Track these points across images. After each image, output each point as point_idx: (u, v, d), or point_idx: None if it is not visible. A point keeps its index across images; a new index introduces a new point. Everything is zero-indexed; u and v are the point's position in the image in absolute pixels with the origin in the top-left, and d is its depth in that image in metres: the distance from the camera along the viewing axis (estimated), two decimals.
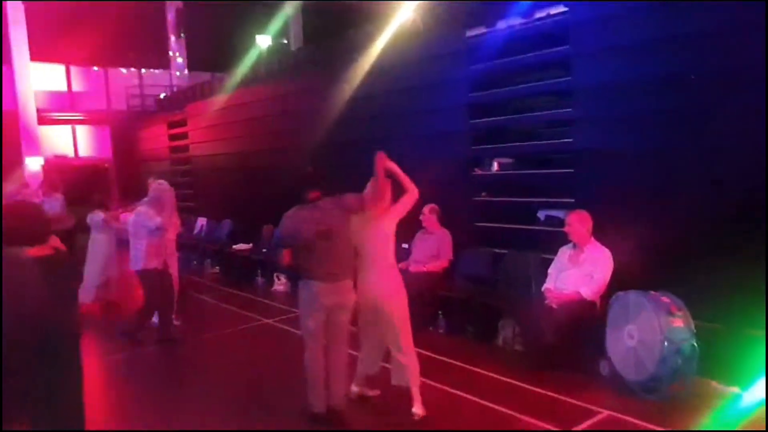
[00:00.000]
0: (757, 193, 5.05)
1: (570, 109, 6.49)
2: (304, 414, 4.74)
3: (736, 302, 4.91)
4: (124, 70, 20.01)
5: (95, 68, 19.62)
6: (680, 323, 4.82)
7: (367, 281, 4.78)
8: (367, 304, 4.80)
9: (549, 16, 6.73)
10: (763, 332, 4.63)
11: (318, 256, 4.61)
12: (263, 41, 15.10)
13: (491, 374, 5.61)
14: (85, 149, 19.25)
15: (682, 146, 5.57)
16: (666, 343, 4.73)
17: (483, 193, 7.73)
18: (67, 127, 18.91)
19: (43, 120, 17.56)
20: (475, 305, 6.66)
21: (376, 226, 4.85)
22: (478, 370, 5.72)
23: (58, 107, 18.49)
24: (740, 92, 5.16)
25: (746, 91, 5.12)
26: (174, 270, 7.63)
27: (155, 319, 7.20)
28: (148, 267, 6.88)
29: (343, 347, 4.85)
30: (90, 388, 5.66)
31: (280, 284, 9.70)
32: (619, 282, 5.48)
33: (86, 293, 8.39)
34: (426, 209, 7.19)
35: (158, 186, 7.17)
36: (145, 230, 6.81)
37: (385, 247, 4.87)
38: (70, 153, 18.88)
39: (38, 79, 17.60)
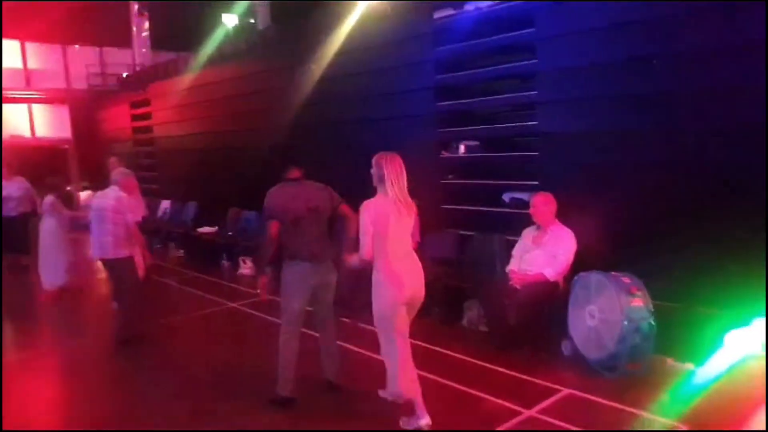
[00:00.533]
0: (715, 175, 5.20)
1: (535, 92, 6.56)
2: (272, 398, 4.73)
3: (692, 282, 5.05)
4: (76, 47, 19.46)
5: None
6: (640, 303, 4.95)
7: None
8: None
9: None
10: (718, 311, 4.80)
11: (305, 235, 4.61)
12: (230, 20, 14.84)
13: (455, 354, 5.69)
14: (43, 129, 18.74)
15: (643, 129, 5.68)
16: (626, 322, 4.86)
17: (450, 176, 7.78)
18: (23, 106, 18.37)
19: None
20: (441, 287, 6.72)
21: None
22: (443, 350, 5.79)
23: (13, 85, 17.95)
24: (699, 74, 5.28)
25: (704, 73, 5.25)
26: (138, 255, 7.54)
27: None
28: (119, 256, 6.37)
29: (331, 325, 4.94)
30: (48, 376, 5.64)
31: (246, 268, 9.65)
32: (581, 263, 5.59)
33: (46, 281, 8.28)
34: None
35: (124, 172, 6.97)
36: (120, 217, 6.31)
37: None
38: (27, 133, 18.38)
39: None
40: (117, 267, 6.43)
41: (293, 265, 4.69)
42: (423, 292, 4.31)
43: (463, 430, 4.33)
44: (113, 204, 6.33)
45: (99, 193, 6.71)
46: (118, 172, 6.80)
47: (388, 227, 4.11)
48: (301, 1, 11.84)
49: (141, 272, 6.82)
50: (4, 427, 3.94)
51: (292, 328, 4.74)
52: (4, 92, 17.24)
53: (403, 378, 4.19)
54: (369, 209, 4.13)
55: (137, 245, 6.63)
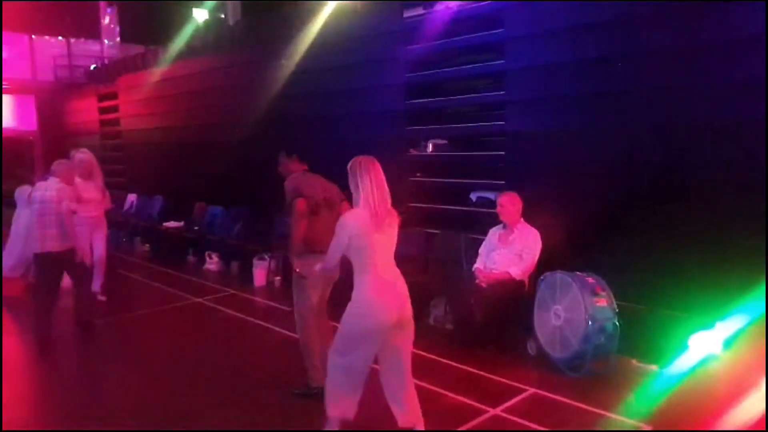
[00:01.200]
0: (683, 177, 5.23)
1: (503, 92, 6.56)
2: (304, 392, 4.67)
3: (656, 284, 5.10)
4: (46, 37, 19.07)
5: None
6: (604, 303, 4.96)
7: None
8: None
9: None
10: (682, 313, 4.84)
11: (321, 226, 4.50)
12: (200, 15, 14.67)
13: (420, 352, 5.58)
14: (7, 120, 18.31)
15: (608, 129, 5.73)
16: (590, 322, 4.86)
17: (417, 174, 7.75)
18: None
19: None
20: (407, 284, 6.66)
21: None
22: None
23: None
24: (663, 74, 5.33)
25: (669, 72, 5.30)
26: (101, 248, 7.41)
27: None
28: (66, 248, 6.13)
29: (326, 318, 4.87)
30: (9, 369, 5.49)
31: (212, 263, 9.53)
32: (547, 262, 5.60)
33: (12, 269, 8.10)
34: None
35: (84, 155, 6.85)
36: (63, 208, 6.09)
37: None
38: None
39: None
40: (65, 259, 6.18)
41: (311, 257, 4.46)
42: (410, 312, 3.94)
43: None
44: (55, 195, 6.10)
45: (39, 185, 6.44)
46: (82, 157, 6.71)
47: (371, 241, 3.73)
48: None
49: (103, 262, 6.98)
50: (4, 427, 3.83)
51: (314, 321, 4.68)
52: None
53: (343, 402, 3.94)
54: (349, 221, 3.75)
55: (100, 234, 6.80)
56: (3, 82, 17.79)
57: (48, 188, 6.17)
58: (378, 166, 3.81)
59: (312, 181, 4.72)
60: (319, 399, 4.34)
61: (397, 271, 3.94)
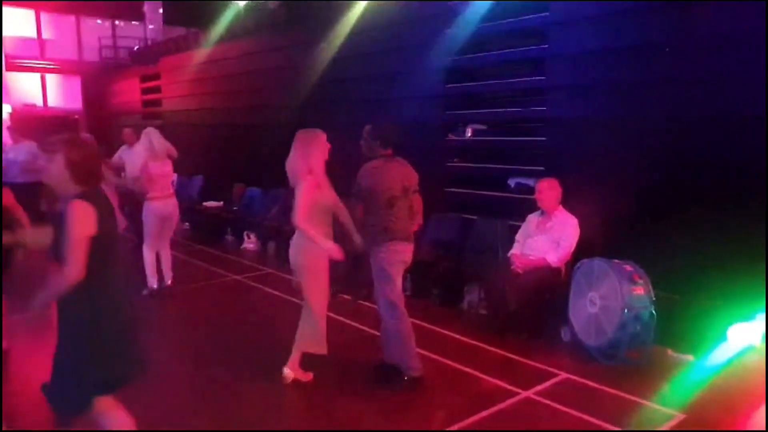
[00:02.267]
0: (724, 166, 5.15)
1: (544, 78, 6.50)
2: (405, 382, 4.59)
3: (695, 273, 5.03)
4: (97, 21, 19.46)
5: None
6: (641, 291, 4.92)
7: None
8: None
9: None
10: (720, 303, 4.78)
11: (400, 213, 4.55)
12: None
13: (454, 335, 5.70)
14: (55, 99, 18.78)
15: (651, 117, 5.64)
16: (626, 310, 4.84)
17: (455, 159, 7.74)
18: (36, 76, 18.40)
19: (10, 66, 17.06)
20: (442, 269, 6.71)
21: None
22: (442, 330, 5.81)
23: (27, 54, 17.96)
24: (710, 61, 5.22)
25: (715, 60, 5.19)
26: None
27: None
28: None
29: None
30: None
31: (250, 242, 9.69)
32: (584, 250, 5.57)
33: None
34: None
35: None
36: None
37: None
38: (39, 102, 18.42)
39: (6, 24, 17.00)
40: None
41: (389, 245, 4.54)
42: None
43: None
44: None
45: None
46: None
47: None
48: None
49: None
50: (4, 428, 3.97)
51: (402, 307, 4.64)
52: (18, 61, 17.25)
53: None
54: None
55: None
56: (50, 62, 18.24)
57: None
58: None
59: (393, 170, 4.60)
60: (347, 390, 4.49)
61: None
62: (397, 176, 4.58)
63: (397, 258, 4.59)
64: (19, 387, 4.46)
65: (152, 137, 6.97)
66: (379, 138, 4.65)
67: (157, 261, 7.00)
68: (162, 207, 6.88)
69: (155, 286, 6.92)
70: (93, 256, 2.79)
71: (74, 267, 2.76)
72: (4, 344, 4.95)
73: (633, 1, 5.67)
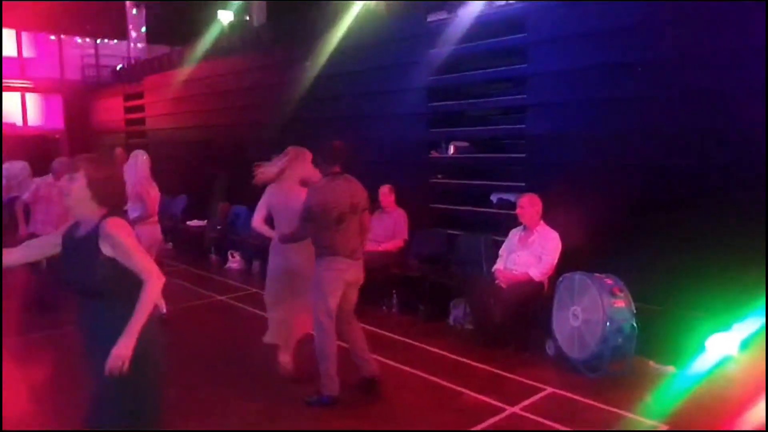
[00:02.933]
0: (701, 180, 5.28)
1: (524, 96, 6.63)
2: (314, 399, 4.63)
3: (674, 285, 5.13)
4: (79, 39, 19.40)
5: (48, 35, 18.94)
6: (622, 304, 5.02)
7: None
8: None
9: (508, 4, 6.86)
10: (699, 314, 4.88)
11: (346, 231, 4.56)
12: (225, 16, 14.83)
13: (440, 351, 5.74)
14: (35, 118, 18.65)
15: (627, 133, 5.78)
16: (608, 323, 4.92)
17: (439, 175, 7.84)
18: (16, 95, 18.27)
19: None
20: (428, 285, 6.78)
21: None
22: (428, 347, 5.85)
23: (7, 73, 17.83)
24: (683, 79, 5.38)
25: (688, 77, 5.34)
26: None
27: None
28: None
29: (356, 321, 4.87)
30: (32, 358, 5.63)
31: (234, 262, 9.68)
32: (566, 264, 5.66)
33: None
34: (384, 189, 7.28)
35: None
36: None
37: None
38: (19, 121, 18.27)
39: None
40: None
41: (331, 261, 4.57)
42: None
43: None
44: None
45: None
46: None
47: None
48: (297, 0, 11.88)
49: None
50: (4, 427, 3.94)
51: (332, 325, 4.62)
52: None
53: None
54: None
55: None
56: (31, 82, 18.13)
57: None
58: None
59: (341, 186, 4.60)
60: (331, 408, 4.50)
61: None
62: (344, 193, 4.59)
63: (335, 275, 4.58)
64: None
65: (139, 160, 6.89)
66: (325, 156, 4.70)
67: None
68: (155, 231, 6.84)
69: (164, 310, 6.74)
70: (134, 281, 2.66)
71: (155, 272, 2.69)
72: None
73: (608, 22, 5.83)
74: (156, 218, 6.89)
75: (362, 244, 4.79)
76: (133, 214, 6.50)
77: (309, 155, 5.09)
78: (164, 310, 6.84)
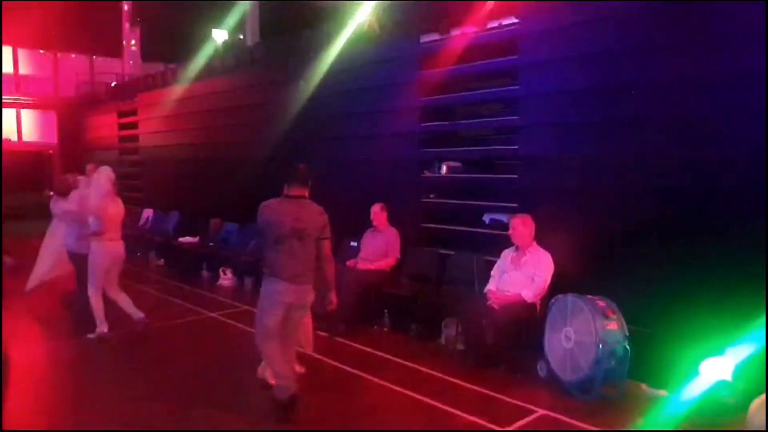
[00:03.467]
0: (693, 202, 5.29)
1: (517, 117, 6.66)
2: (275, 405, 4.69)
3: (667, 308, 5.11)
4: (73, 56, 19.46)
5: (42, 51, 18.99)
6: (615, 326, 4.99)
7: None
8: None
9: (501, 26, 6.91)
10: (692, 338, 4.86)
11: (285, 253, 4.58)
12: (219, 35, 14.91)
13: (431, 372, 5.69)
14: (30, 134, 18.66)
15: (620, 156, 5.79)
16: (600, 345, 4.89)
17: (431, 195, 7.85)
18: (11, 111, 18.29)
19: None
20: (420, 304, 6.75)
21: None
22: (419, 367, 5.79)
23: (3, 90, 17.85)
24: (675, 102, 5.41)
25: (681, 100, 5.38)
26: None
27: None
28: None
29: (294, 342, 4.94)
30: (21, 378, 5.57)
31: (226, 279, 9.62)
32: (558, 285, 5.64)
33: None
34: (377, 207, 7.26)
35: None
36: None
37: None
38: (14, 137, 18.27)
39: None
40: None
41: (271, 281, 4.66)
42: None
43: None
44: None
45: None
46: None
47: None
48: (290, 20, 11.95)
49: None
50: (4, 428, 3.89)
51: (271, 341, 4.71)
52: None
53: None
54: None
55: None
56: (26, 98, 18.16)
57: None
58: None
59: (287, 209, 4.65)
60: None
61: None
62: (287, 216, 4.61)
63: (273, 296, 4.64)
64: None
65: (102, 176, 6.81)
66: (287, 177, 4.76)
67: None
68: (115, 248, 6.74)
69: (106, 330, 6.69)
70: None
71: None
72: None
73: (600, 45, 5.87)
74: (118, 235, 6.76)
75: (311, 271, 4.75)
76: (93, 229, 6.55)
77: None
78: (142, 315, 6.85)
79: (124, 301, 6.88)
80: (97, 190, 6.71)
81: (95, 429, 4.51)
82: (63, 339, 6.78)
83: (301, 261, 4.65)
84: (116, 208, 6.77)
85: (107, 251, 6.64)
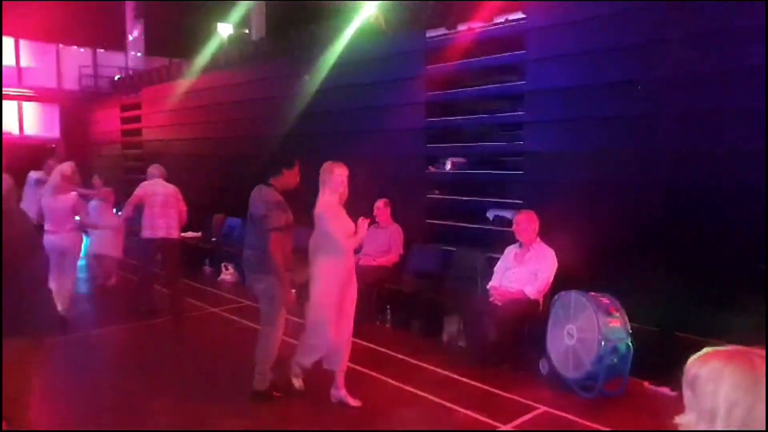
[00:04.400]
0: (699, 199, 5.28)
1: (522, 113, 6.64)
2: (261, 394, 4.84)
3: (671, 306, 5.10)
4: (81, 49, 19.42)
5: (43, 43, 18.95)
6: (618, 323, 4.97)
7: None
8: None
9: (507, 22, 6.89)
10: (695, 336, 4.84)
11: (245, 239, 4.81)
12: (224, 29, 14.88)
13: (433, 368, 5.69)
14: (32, 127, 18.64)
15: (625, 152, 5.78)
16: (603, 342, 4.88)
17: (435, 191, 7.83)
18: (13, 104, 18.26)
19: None
20: (422, 300, 6.74)
21: None
22: (421, 363, 5.79)
23: (5, 82, 17.81)
24: (683, 98, 5.40)
25: (688, 97, 5.37)
26: None
27: None
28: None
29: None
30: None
31: (228, 274, 9.62)
32: (562, 282, 5.62)
33: None
34: (380, 203, 7.25)
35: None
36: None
37: None
38: (15, 131, 18.25)
39: None
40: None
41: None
42: None
43: None
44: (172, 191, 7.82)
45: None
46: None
47: None
48: (296, 15, 11.92)
49: None
50: (4, 428, 3.90)
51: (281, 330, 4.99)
52: None
53: None
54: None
55: None
56: (29, 90, 18.14)
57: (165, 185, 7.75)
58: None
59: (253, 194, 4.97)
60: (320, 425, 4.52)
61: None
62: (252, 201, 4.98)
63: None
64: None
65: (56, 170, 6.87)
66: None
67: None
68: (51, 240, 6.56)
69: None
70: None
71: None
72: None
73: (606, 40, 5.85)
74: (61, 228, 6.67)
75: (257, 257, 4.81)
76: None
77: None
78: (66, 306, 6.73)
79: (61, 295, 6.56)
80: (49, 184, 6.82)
81: (95, 430, 4.48)
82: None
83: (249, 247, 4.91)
84: (61, 203, 6.70)
85: (46, 243, 6.34)
